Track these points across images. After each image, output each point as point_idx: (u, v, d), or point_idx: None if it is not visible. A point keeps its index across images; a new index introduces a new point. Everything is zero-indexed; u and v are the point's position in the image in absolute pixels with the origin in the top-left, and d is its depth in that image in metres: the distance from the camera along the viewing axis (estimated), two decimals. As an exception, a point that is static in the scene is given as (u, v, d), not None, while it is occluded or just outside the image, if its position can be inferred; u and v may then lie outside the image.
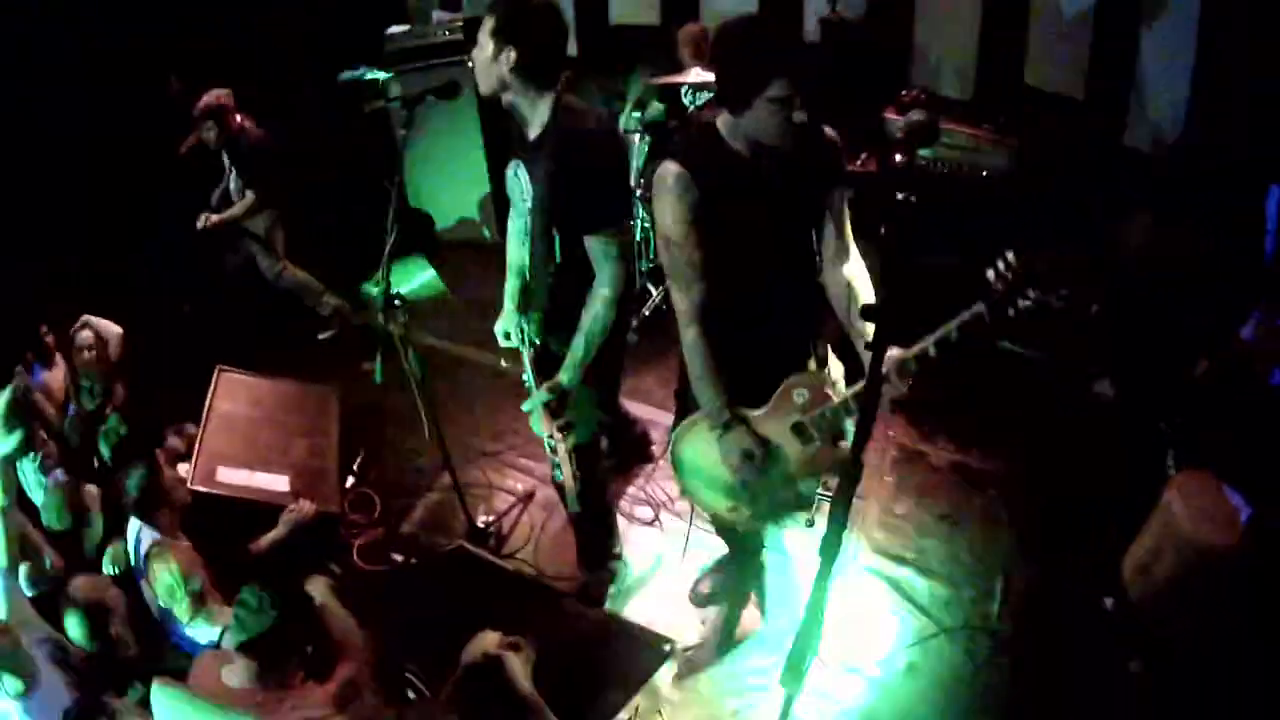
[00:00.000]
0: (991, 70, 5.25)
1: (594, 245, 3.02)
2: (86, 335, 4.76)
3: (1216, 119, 4.73)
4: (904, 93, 5.15)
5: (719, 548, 4.10)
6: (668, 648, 3.52)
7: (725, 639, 3.94)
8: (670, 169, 2.71)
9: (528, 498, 4.72)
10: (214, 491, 4.24)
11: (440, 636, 3.04)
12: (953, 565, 4.20)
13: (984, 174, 4.90)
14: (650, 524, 4.53)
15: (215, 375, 4.79)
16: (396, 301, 3.56)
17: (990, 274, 2.43)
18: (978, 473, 4.65)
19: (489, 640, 2.71)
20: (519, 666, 2.63)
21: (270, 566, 4.00)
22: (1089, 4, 4.89)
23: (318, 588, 3.41)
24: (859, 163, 5.15)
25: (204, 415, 4.58)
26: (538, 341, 3.45)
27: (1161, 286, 4.60)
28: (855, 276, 2.90)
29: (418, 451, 4.93)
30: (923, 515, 4.44)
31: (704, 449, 3.11)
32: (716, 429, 2.97)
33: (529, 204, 3.16)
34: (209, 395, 4.69)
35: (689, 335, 2.87)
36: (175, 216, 5.76)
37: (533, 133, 3.06)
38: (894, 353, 2.63)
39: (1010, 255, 2.40)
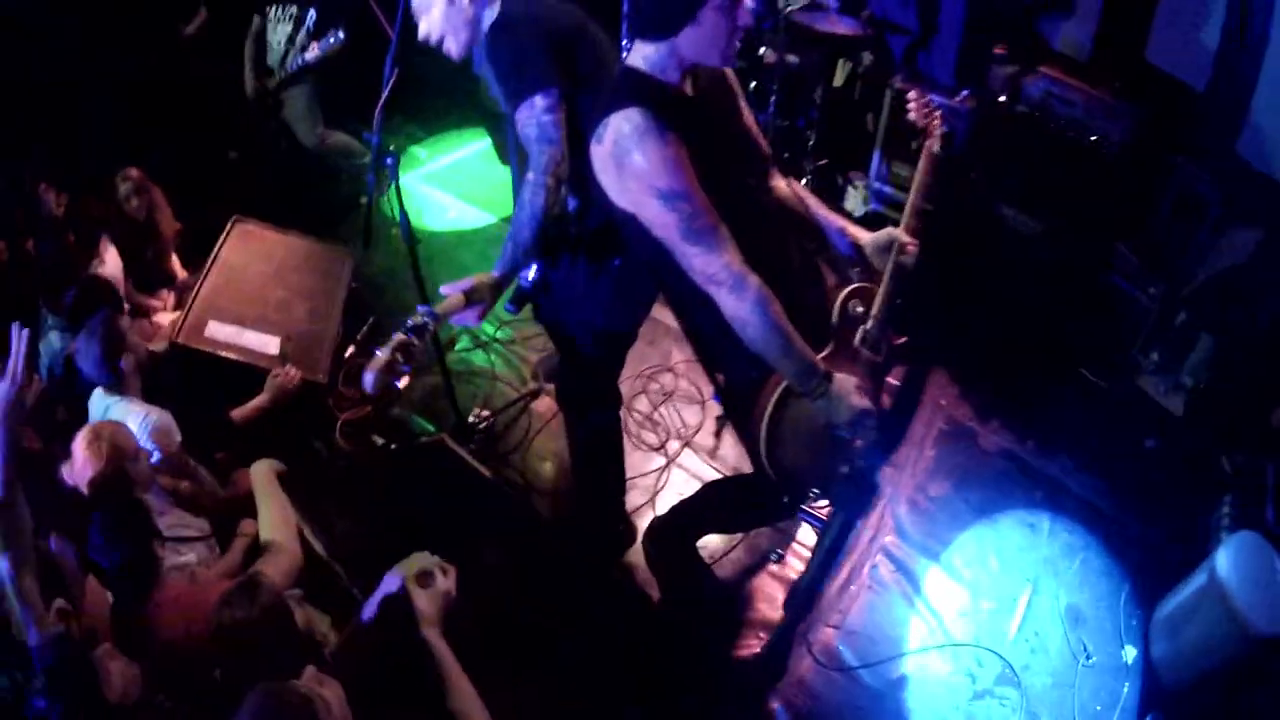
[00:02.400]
0: (1113, 32, 4.57)
1: (518, 127, 2.75)
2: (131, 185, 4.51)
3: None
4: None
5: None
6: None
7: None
8: (633, 115, 2.17)
9: (530, 395, 4.37)
10: (194, 346, 3.99)
11: (393, 540, 2.79)
12: (977, 568, 3.76)
13: (1093, 138, 4.28)
14: (657, 450, 4.19)
15: (230, 225, 4.51)
16: (389, 159, 3.16)
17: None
18: (1028, 468, 4.16)
19: (413, 564, 2.35)
20: (428, 606, 2.27)
21: (252, 434, 3.79)
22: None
23: (260, 471, 3.09)
24: (959, 99, 4.55)
25: (207, 264, 4.32)
26: None
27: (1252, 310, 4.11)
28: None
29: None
30: (958, 503, 3.98)
31: (803, 425, 2.51)
32: (820, 391, 2.39)
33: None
34: (218, 244, 4.42)
35: (749, 295, 2.24)
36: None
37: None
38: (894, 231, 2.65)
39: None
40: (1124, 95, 4.22)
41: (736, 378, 2.62)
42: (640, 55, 2.28)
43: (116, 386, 3.42)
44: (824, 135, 5.18)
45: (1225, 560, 3.22)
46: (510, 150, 2.84)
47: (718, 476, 3.98)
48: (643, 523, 3.67)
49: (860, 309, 2.60)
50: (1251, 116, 4.19)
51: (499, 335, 4.72)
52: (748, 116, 2.55)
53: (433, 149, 6.11)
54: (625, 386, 4.21)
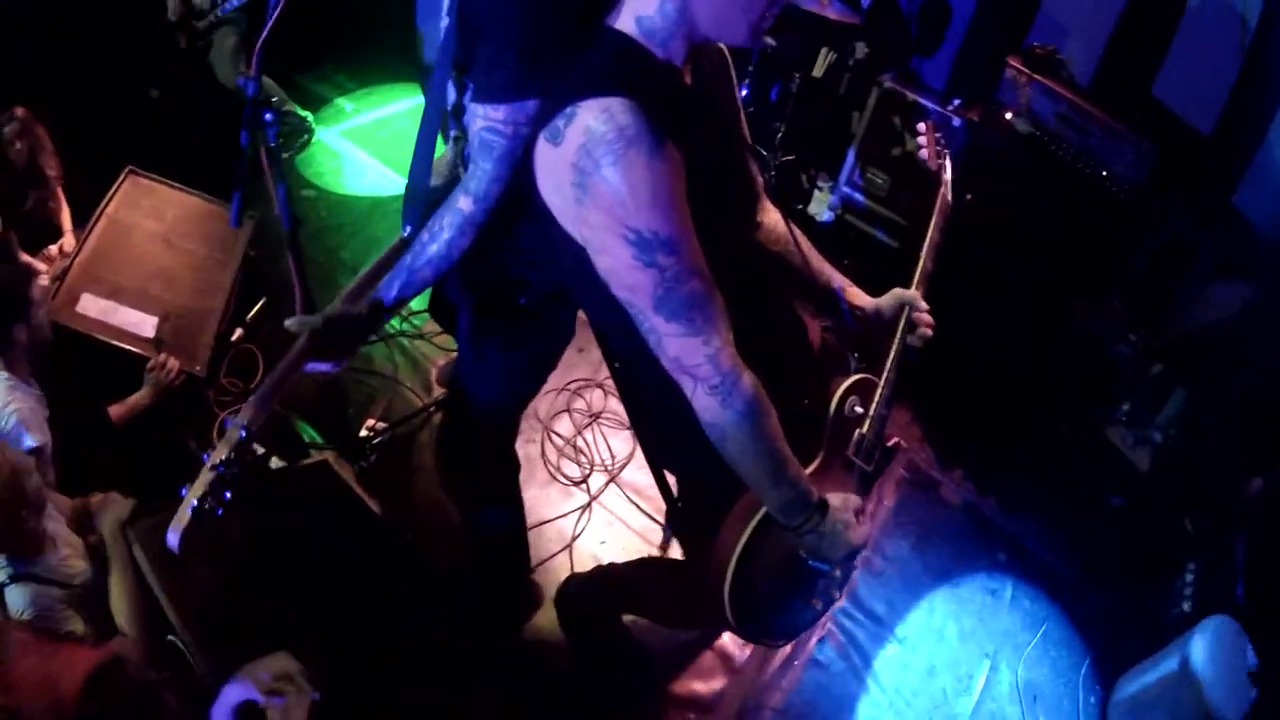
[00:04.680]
0: (1121, 61, 4.20)
1: (469, 119, 1.99)
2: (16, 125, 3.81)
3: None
4: (1035, 45, 4.07)
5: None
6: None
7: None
8: (615, 109, 1.49)
9: (437, 405, 3.76)
10: (63, 323, 3.38)
11: (254, 599, 2.38)
12: (934, 642, 3.39)
13: (1103, 174, 3.87)
14: (577, 485, 3.62)
15: (123, 175, 3.85)
16: (269, 116, 2.45)
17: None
18: (991, 526, 3.80)
19: (267, 670, 1.84)
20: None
21: (131, 437, 3.25)
22: (1242, 36, 3.85)
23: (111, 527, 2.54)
24: (950, 108, 4.14)
25: (92, 221, 3.68)
26: None
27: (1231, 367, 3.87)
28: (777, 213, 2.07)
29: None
30: (915, 566, 3.59)
31: (778, 564, 1.93)
32: (810, 526, 1.81)
33: None
34: (107, 197, 3.76)
35: (738, 402, 1.62)
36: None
37: None
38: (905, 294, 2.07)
39: None
40: (1144, 131, 3.81)
41: (695, 485, 2.06)
42: (631, 14, 1.60)
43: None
44: (794, 129, 4.67)
45: (1200, 649, 2.99)
46: (427, 122, 2.15)
47: (647, 551, 3.42)
48: (557, 576, 3.17)
49: (859, 408, 2.00)
50: (1255, 169, 3.88)
51: (404, 328, 4.06)
52: (744, 123, 1.93)
53: (360, 102, 5.49)
54: (545, 403, 3.75)
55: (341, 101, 5.43)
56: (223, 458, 1.74)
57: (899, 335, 2.05)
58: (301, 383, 3.54)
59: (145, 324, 3.51)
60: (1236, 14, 3.78)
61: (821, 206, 4.86)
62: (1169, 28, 3.97)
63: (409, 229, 2.10)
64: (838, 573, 2.02)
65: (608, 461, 3.69)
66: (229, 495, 1.75)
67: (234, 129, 2.45)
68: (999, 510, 3.85)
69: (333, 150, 5.07)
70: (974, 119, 4.06)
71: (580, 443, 3.73)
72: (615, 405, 3.85)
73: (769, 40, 4.33)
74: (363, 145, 5.17)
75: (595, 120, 1.49)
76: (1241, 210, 3.98)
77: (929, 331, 2.08)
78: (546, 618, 3.13)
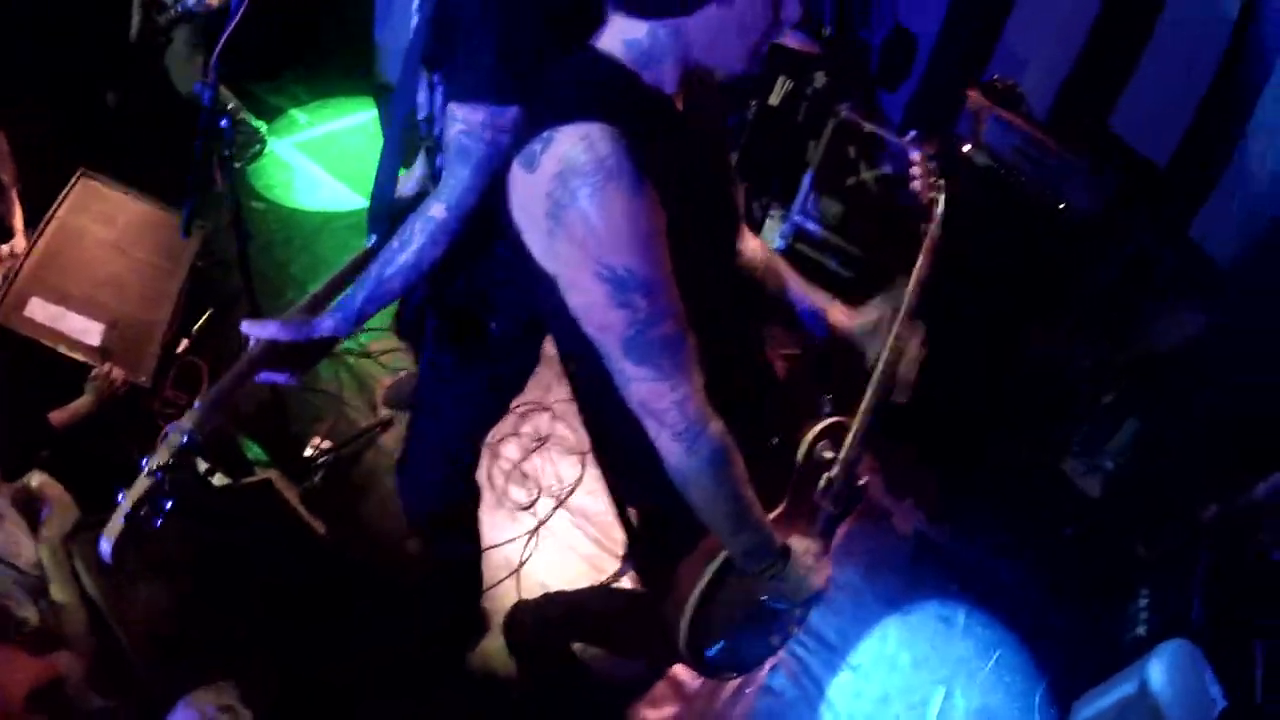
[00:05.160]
0: (1079, 94, 4.26)
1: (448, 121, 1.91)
2: None
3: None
4: (995, 78, 4.11)
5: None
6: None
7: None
8: (595, 136, 1.40)
9: (383, 425, 3.68)
10: (10, 327, 3.30)
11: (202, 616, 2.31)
12: (887, 670, 3.36)
13: (1060, 205, 3.91)
14: (524, 509, 3.54)
15: (75, 178, 3.73)
16: (224, 121, 2.39)
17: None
18: (944, 554, 3.79)
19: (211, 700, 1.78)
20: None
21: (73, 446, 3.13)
22: (1203, 74, 3.95)
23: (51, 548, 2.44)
24: (906, 139, 4.15)
25: (43, 223, 3.57)
26: None
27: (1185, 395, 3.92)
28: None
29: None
30: (866, 594, 3.56)
31: (738, 605, 1.91)
32: (773, 572, 1.79)
33: None
34: (58, 200, 3.65)
35: (703, 450, 1.57)
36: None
37: None
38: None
39: None
40: (1098, 162, 3.86)
41: (657, 521, 2.01)
42: (619, 36, 1.50)
43: None
44: (748, 157, 4.67)
45: (1158, 673, 2.98)
46: (393, 123, 2.05)
47: (596, 578, 3.35)
48: (504, 602, 3.09)
49: (828, 453, 1.93)
50: (1212, 202, 3.95)
51: (350, 345, 3.92)
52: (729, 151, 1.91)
53: (314, 115, 5.41)
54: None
55: (296, 113, 5.35)
56: (162, 463, 1.63)
57: (883, 356, 1.96)
58: (246, 399, 3.55)
59: (92, 331, 3.41)
60: (1196, 48, 3.86)
61: (773, 234, 4.86)
62: (1130, 61, 4.03)
63: (374, 238, 2.04)
64: (797, 612, 2.00)
65: (555, 487, 3.61)
66: (168, 504, 1.64)
67: (188, 135, 2.40)
68: (951, 537, 3.84)
69: (284, 163, 4.99)
70: (930, 151, 4.08)
71: (528, 467, 3.66)
72: (563, 430, 3.79)
73: None
74: (315, 159, 5.09)
75: (573, 148, 1.40)
76: (1198, 242, 4.05)
77: (920, 352, 2.03)
78: (494, 643, 3.07)
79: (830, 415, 1.96)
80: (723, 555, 1.80)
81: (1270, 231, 3.84)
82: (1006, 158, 3.95)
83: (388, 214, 2.03)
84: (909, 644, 3.46)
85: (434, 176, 2.05)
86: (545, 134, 1.42)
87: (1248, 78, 3.78)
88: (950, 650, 3.48)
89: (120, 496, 1.61)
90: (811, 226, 4.65)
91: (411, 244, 1.89)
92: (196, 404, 1.76)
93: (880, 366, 1.96)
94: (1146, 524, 3.82)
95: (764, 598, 1.88)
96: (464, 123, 1.82)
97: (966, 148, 3.96)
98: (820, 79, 4.43)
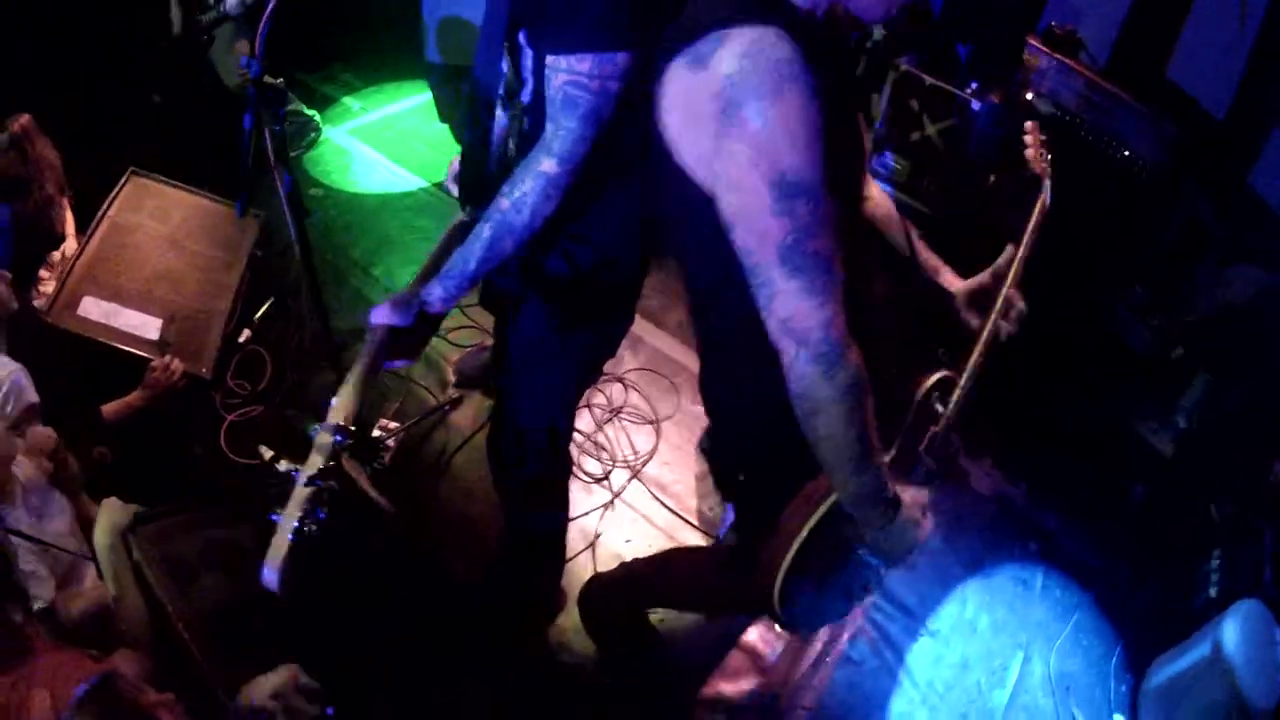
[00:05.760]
0: (1136, 42, 4.10)
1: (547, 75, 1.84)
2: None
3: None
4: (1054, 25, 3.97)
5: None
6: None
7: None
8: (773, 39, 1.38)
9: (451, 405, 3.66)
10: (63, 326, 3.34)
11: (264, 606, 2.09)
12: (967, 635, 3.29)
13: (1125, 154, 3.77)
14: (598, 482, 3.51)
15: (125, 178, 3.79)
16: (271, 93, 2.35)
17: None
18: (1021, 515, 3.69)
19: (275, 686, 1.78)
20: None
21: (126, 431, 3.16)
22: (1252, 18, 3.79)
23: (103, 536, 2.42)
24: (967, 91, 4.02)
25: (94, 224, 3.62)
26: None
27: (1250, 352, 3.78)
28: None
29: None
30: (947, 557, 3.47)
31: (833, 554, 1.87)
32: (883, 523, 1.73)
33: None
34: (108, 200, 3.70)
35: (841, 376, 1.50)
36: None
37: None
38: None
39: None
40: (1158, 111, 3.70)
41: (763, 467, 1.92)
42: None
43: None
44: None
45: (1231, 634, 2.92)
46: (465, 108, 2.05)
47: (675, 542, 3.32)
48: (580, 576, 3.06)
49: (940, 406, 1.89)
50: (1272, 150, 3.80)
51: None
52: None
53: (367, 101, 5.41)
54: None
55: (348, 100, 5.36)
56: (319, 468, 1.60)
57: (994, 315, 1.92)
58: (310, 382, 3.56)
59: (149, 326, 3.45)
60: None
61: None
62: (1183, 8, 3.88)
63: (468, 209, 2.02)
64: (882, 570, 1.94)
65: (630, 457, 3.59)
66: (323, 513, 1.60)
67: (237, 131, 2.39)
68: (1027, 498, 3.75)
69: (340, 148, 4.99)
70: (995, 100, 3.95)
71: (601, 438, 3.63)
72: (636, 399, 3.77)
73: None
74: (370, 143, 5.09)
75: (750, 48, 1.38)
76: (1259, 192, 3.90)
77: (1018, 314, 1.98)
78: (570, 620, 3.04)
79: (945, 365, 1.93)
80: (831, 499, 1.74)
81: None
82: (1070, 106, 3.81)
83: (482, 184, 2.00)
84: (988, 607, 3.38)
85: (524, 137, 1.99)
86: (715, 34, 1.41)
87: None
88: (1029, 614, 3.40)
89: (274, 517, 1.55)
90: (882, 185, 4.55)
91: (525, 202, 1.85)
92: (335, 402, 1.75)
93: (984, 335, 1.91)
94: (1218, 483, 3.70)
95: (861, 550, 1.83)
96: (568, 73, 1.77)
97: (1029, 96, 3.84)
98: (879, 31, 4.32)
